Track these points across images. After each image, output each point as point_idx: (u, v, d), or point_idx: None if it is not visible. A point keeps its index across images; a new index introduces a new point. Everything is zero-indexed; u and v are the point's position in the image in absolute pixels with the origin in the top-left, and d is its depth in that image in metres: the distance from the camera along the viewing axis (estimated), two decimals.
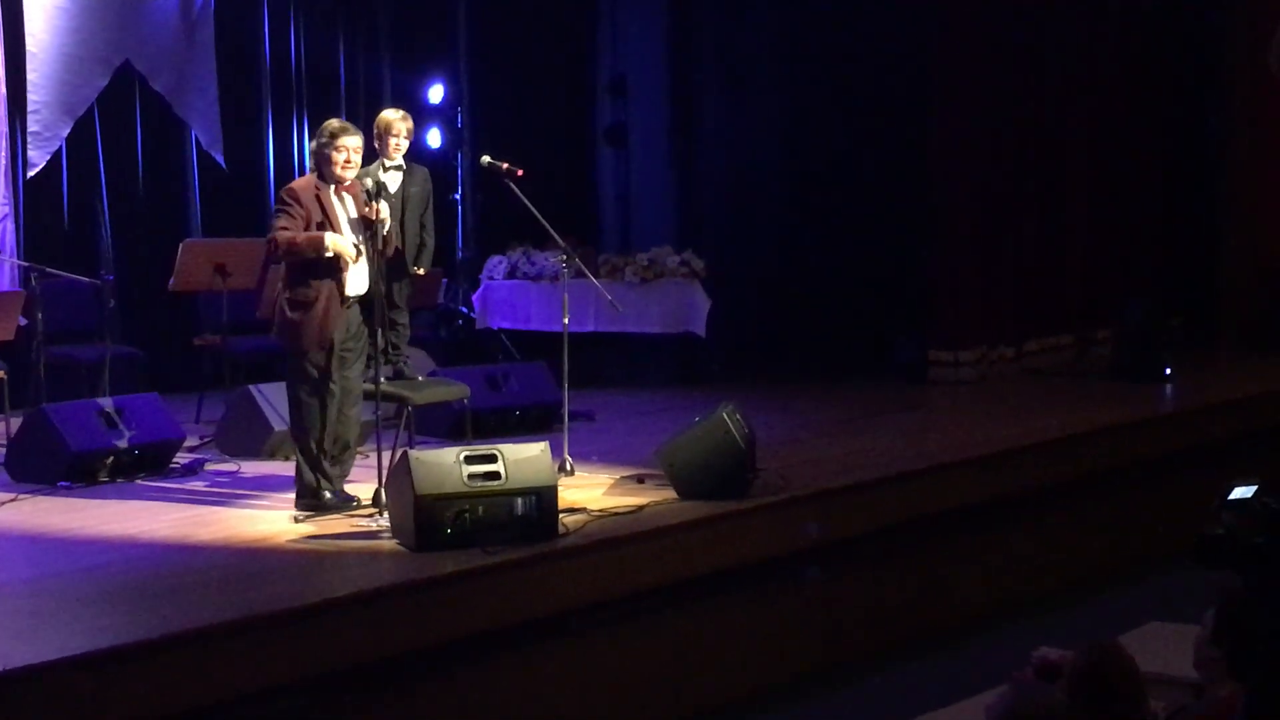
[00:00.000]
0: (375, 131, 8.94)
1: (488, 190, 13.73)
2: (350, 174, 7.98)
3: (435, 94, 14.50)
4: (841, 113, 13.52)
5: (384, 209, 8.02)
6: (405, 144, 9.02)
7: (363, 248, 7.95)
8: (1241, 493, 4.57)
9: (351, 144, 7.95)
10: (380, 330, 8.26)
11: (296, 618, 6.33)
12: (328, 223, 7.87)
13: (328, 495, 8.00)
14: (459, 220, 14.60)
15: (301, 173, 12.44)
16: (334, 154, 7.89)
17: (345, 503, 8.03)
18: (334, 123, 8.07)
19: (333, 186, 7.94)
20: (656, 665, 7.61)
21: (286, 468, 8.71)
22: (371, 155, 8.85)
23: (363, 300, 8.04)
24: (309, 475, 8.00)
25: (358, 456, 9.44)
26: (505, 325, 13.20)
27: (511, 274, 13.19)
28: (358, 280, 7.97)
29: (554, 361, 9.57)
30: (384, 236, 8.05)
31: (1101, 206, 13.93)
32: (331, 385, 7.95)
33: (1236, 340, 14.15)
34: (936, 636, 8.74)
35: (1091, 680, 4.65)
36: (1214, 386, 12.22)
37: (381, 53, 14.09)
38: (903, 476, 8.93)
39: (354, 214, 7.98)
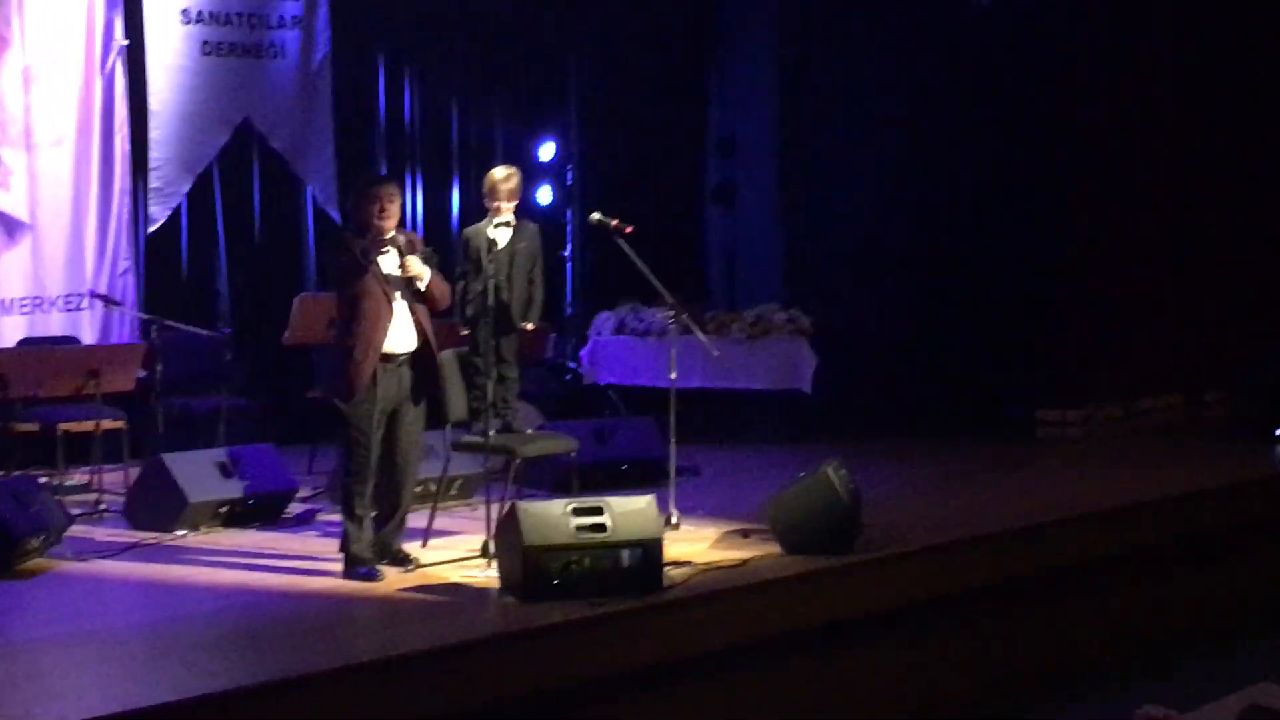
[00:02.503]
0: (484, 189, 9.08)
1: (596, 247, 13.85)
2: (390, 223, 7.96)
3: (546, 152, 14.66)
4: (950, 172, 13.52)
5: (416, 265, 7.94)
6: (509, 202, 9.14)
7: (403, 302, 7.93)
8: None
9: (386, 193, 7.97)
10: (488, 385, 8.36)
11: (402, 666, 6.41)
12: (377, 283, 7.89)
13: (367, 555, 7.93)
14: (568, 276, 14.73)
15: (414, 228, 12.66)
16: (371, 205, 7.93)
17: (376, 574, 7.87)
18: (368, 175, 8.13)
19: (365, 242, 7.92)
20: (756, 717, 7.63)
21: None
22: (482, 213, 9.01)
23: (414, 359, 8.04)
24: (351, 533, 7.95)
25: (467, 508, 9.61)
26: (613, 380, 13.27)
27: (619, 330, 13.28)
28: (396, 337, 7.95)
29: (661, 417, 9.64)
30: (422, 292, 8.00)
31: (1217, 262, 13.81)
32: (367, 445, 7.91)
33: None
34: (1041, 695, 8.69)
35: None
36: None
37: (493, 110, 14.26)
38: (1008, 534, 8.91)
39: (394, 270, 7.94)
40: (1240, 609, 10.00)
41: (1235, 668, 8.38)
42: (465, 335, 9.10)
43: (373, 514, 8.04)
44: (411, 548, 8.23)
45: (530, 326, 9.36)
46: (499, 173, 9.25)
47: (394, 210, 7.99)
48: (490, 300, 8.53)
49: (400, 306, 7.96)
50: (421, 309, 8.03)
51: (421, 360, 8.06)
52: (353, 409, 7.89)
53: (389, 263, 7.96)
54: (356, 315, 7.88)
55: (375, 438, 7.92)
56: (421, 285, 8.00)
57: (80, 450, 10.42)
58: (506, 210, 9.17)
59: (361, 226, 7.99)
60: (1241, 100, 13.89)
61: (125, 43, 11.88)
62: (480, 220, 9.31)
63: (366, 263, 7.86)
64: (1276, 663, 8.04)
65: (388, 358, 7.93)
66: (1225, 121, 13.79)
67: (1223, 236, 13.89)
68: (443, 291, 8.17)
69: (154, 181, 12.12)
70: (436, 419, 8.74)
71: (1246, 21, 13.72)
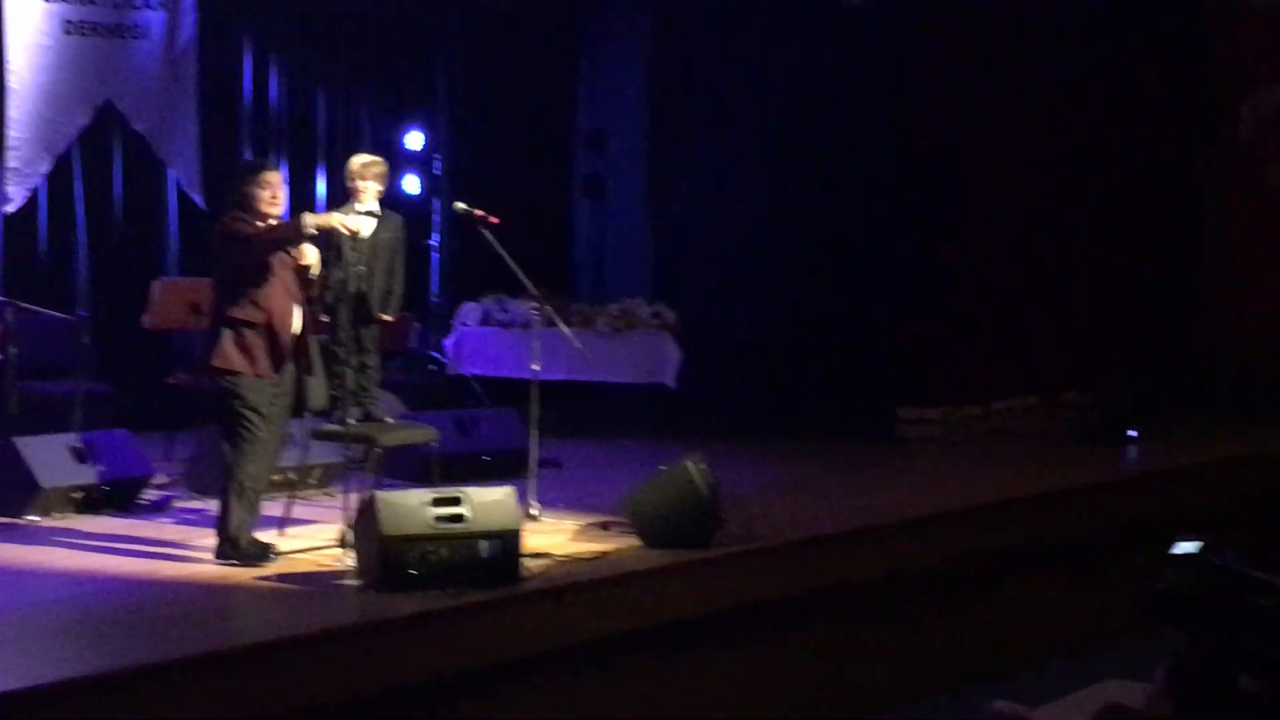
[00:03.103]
0: (347, 176, 9.01)
1: (463, 237, 13.79)
2: (277, 209, 7.94)
3: (414, 140, 14.59)
4: (818, 170, 13.62)
5: (309, 253, 7.95)
6: (375, 186, 9.08)
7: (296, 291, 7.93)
8: (1185, 548, 4.64)
9: (276, 180, 7.95)
10: (348, 373, 8.32)
11: (258, 654, 6.37)
12: (283, 265, 7.87)
13: (244, 543, 7.84)
14: (434, 266, 14.67)
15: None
16: (260, 190, 7.88)
17: (264, 554, 7.85)
18: (255, 159, 8.07)
19: (259, 225, 7.87)
20: (613, 712, 7.64)
21: None
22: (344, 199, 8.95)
23: (297, 342, 7.97)
24: (233, 522, 7.82)
25: (326, 497, 9.55)
26: (477, 371, 13.25)
27: (484, 320, 13.26)
28: (296, 320, 7.94)
29: (524, 408, 9.63)
30: (310, 280, 8.00)
31: (1077, 266, 14.03)
32: (261, 426, 7.84)
33: (1213, 406, 14.21)
34: (893, 694, 8.79)
35: None
36: (1180, 452, 12.31)
37: (361, 98, 14.18)
38: (864, 531, 9.00)
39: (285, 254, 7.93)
40: (1092, 610, 10.16)
41: (1087, 668, 8.51)
42: (325, 322, 9.03)
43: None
44: (267, 536, 8.16)
45: (388, 318, 9.31)
46: (362, 159, 9.21)
47: (282, 196, 7.99)
48: (351, 289, 8.48)
49: (294, 289, 7.95)
50: (302, 294, 8.02)
51: (299, 345, 8.02)
52: (253, 387, 7.80)
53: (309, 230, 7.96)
54: (265, 293, 7.80)
55: (263, 423, 7.84)
56: (314, 273, 8.01)
57: None
58: (370, 198, 9.11)
59: (248, 210, 7.89)
60: (1104, 107, 14.13)
61: None
62: (342, 207, 9.23)
63: (297, 236, 7.80)
64: (1127, 663, 8.19)
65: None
66: (1087, 128, 14.02)
67: (1083, 240, 14.12)
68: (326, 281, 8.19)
69: (11, 161, 11.92)
70: (296, 407, 8.68)
71: (1112, 30, 13.95)
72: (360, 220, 8.81)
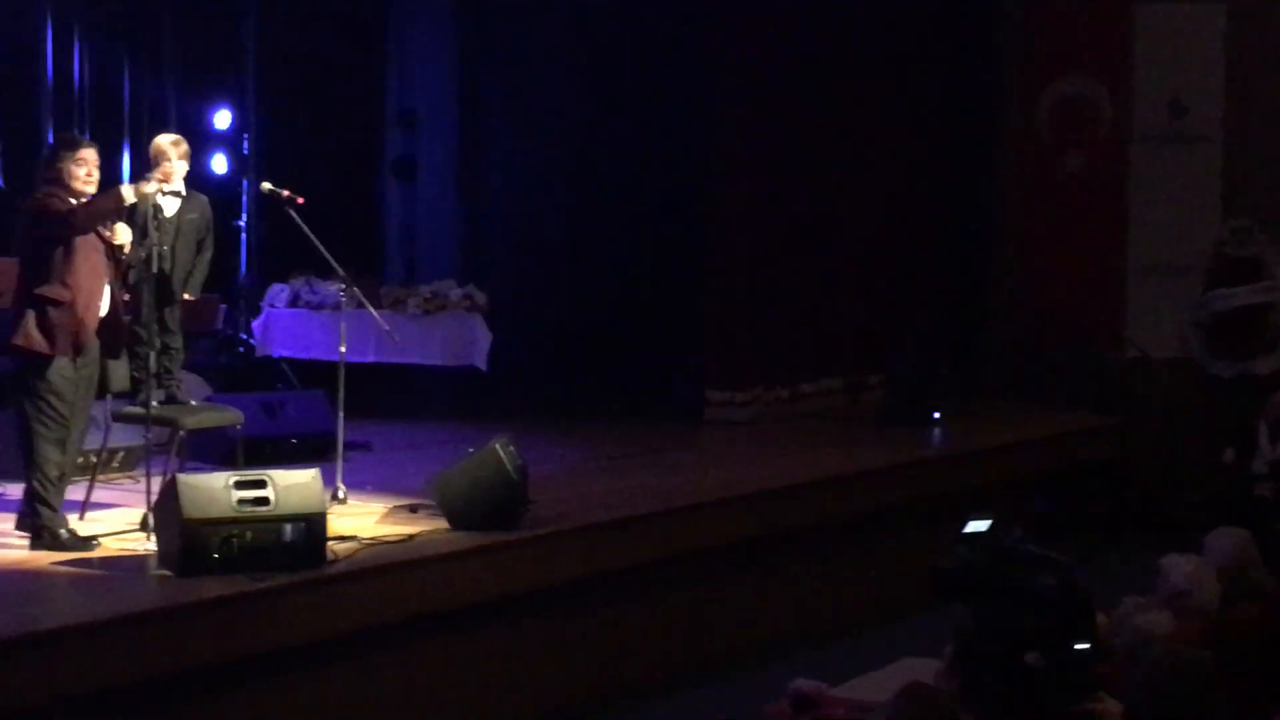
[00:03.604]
0: (151, 156, 8.88)
1: (272, 218, 13.64)
2: (91, 188, 7.82)
3: (222, 119, 14.41)
4: (624, 152, 13.71)
5: (122, 233, 7.87)
6: (181, 168, 8.95)
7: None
8: (975, 527, 4.79)
9: (92, 157, 7.84)
10: (151, 355, 8.22)
11: (57, 639, 6.29)
12: (95, 244, 7.76)
13: (64, 534, 7.71)
14: (242, 247, 14.51)
15: None
16: (75, 168, 7.77)
17: (84, 543, 7.73)
18: (70, 135, 7.96)
19: (74, 202, 7.75)
20: (418, 693, 7.67)
21: None
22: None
23: (103, 324, 7.86)
24: (46, 512, 7.68)
25: (129, 480, 9.43)
26: (286, 353, 13.13)
27: (293, 302, 13.15)
28: (103, 301, 7.84)
29: (333, 391, 9.59)
30: (122, 260, 7.92)
31: (876, 253, 14.24)
32: (64, 411, 7.70)
33: (1005, 388, 14.56)
34: (697, 672, 8.92)
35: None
36: (979, 433, 12.60)
37: (167, 76, 13.97)
38: (669, 513, 9.10)
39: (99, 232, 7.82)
40: (892, 588, 10.37)
41: (884, 645, 8.69)
42: (126, 300, 8.89)
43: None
44: (70, 520, 8.03)
45: (190, 297, 9.19)
46: (167, 138, 9.05)
47: (97, 173, 7.85)
48: (153, 268, 8.36)
49: (102, 269, 7.82)
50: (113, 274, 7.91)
51: (110, 326, 7.90)
52: (60, 373, 7.65)
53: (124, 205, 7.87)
54: (72, 272, 7.65)
55: (68, 406, 7.70)
56: (126, 251, 7.90)
57: None
58: (175, 178, 8.97)
59: (61, 187, 7.75)
60: (905, 94, 14.37)
61: None
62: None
63: (118, 212, 7.69)
64: (924, 640, 8.38)
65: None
66: (886, 115, 14.22)
67: (885, 226, 14.35)
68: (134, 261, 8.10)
69: None
70: (99, 389, 8.56)
71: (909, 14, 14.17)
72: (167, 201, 8.70)
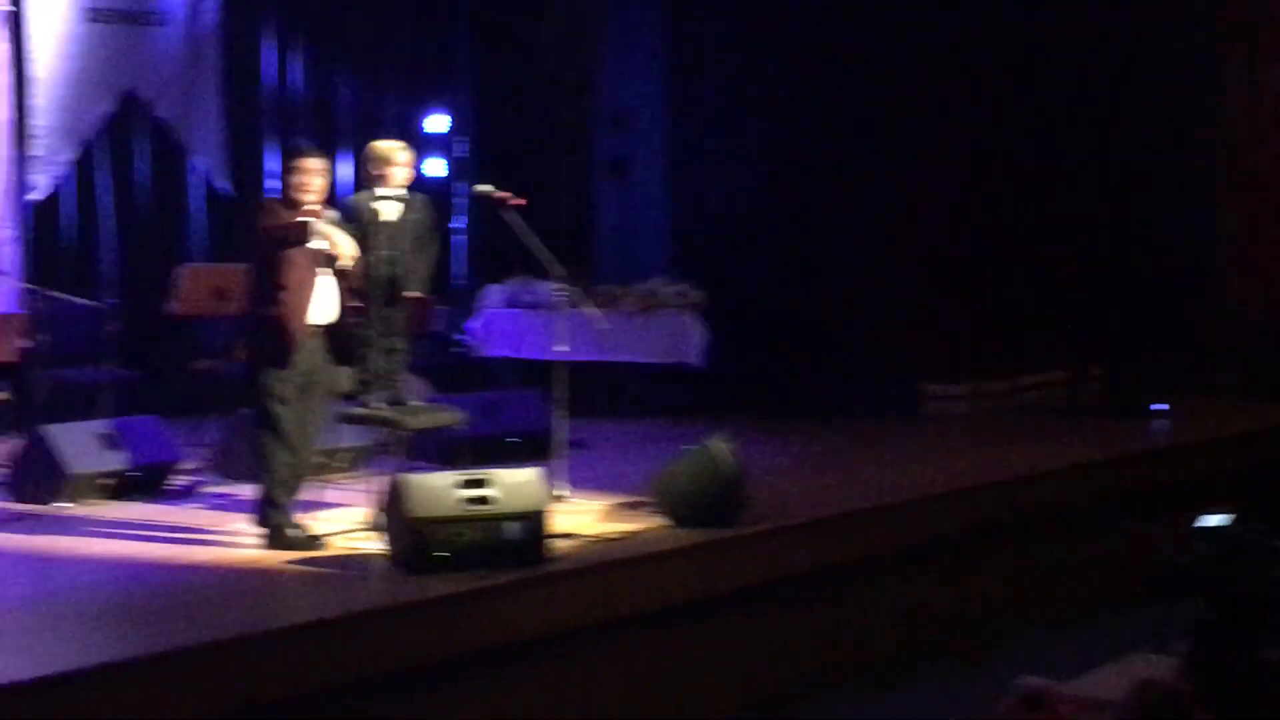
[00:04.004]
0: (371, 161, 9.00)
1: (487, 220, 13.80)
2: (312, 197, 7.97)
3: (436, 124, 14.61)
4: (836, 146, 13.61)
5: (342, 243, 7.97)
6: (402, 173, 9.06)
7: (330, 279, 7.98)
8: (1213, 521, 4.66)
9: (310, 166, 7.98)
10: (376, 357, 8.36)
11: (287, 637, 6.41)
12: (304, 256, 7.90)
13: (294, 533, 7.88)
14: (458, 249, 14.69)
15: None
16: (291, 177, 7.94)
17: (313, 542, 7.90)
18: (294, 145, 8.10)
19: (284, 214, 7.90)
20: (643, 690, 7.68)
21: None
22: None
23: (331, 330, 8.05)
24: (276, 512, 7.88)
25: (354, 481, 9.59)
26: (502, 353, 13.27)
27: (510, 303, 13.28)
28: (320, 309, 7.98)
29: (549, 390, 9.66)
30: (348, 270, 8.06)
31: (1095, 242, 14.01)
32: (289, 416, 7.87)
33: (1229, 380, 14.19)
34: (920, 664, 8.82)
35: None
36: (1200, 425, 12.30)
37: (383, 82, 14.20)
38: (890, 507, 9.02)
39: (319, 244, 7.94)
40: (1112, 581, 10.17)
41: (1107, 639, 8.52)
42: (355, 308, 9.04)
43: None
44: (299, 520, 8.19)
45: (418, 295, 9.27)
46: (394, 144, 9.13)
47: (318, 184, 8.00)
48: (380, 273, 8.49)
49: (324, 279, 7.97)
50: (338, 283, 8.05)
51: (338, 332, 8.08)
52: (278, 379, 7.84)
53: (314, 236, 7.97)
54: (284, 284, 7.84)
55: (290, 413, 7.86)
56: (348, 262, 8.02)
57: None
58: (397, 183, 9.07)
59: (288, 201, 7.96)
60: (1117, 86, 14.07)
61: (11, 8, 11.71)
62: (362, 192, 9.20)
63: (300, 238, 7.81)
64: (1144, 633, 8.20)
65: (310, 330, 7.93)
66: (1099, 107, 13.95)
67: (1111, 214, 14.08)
68: (360, 267, 8.24)
69: (36, 150, 11.96)
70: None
71: (1119, 8, 13.88)
72: (388, 205, 8.80)
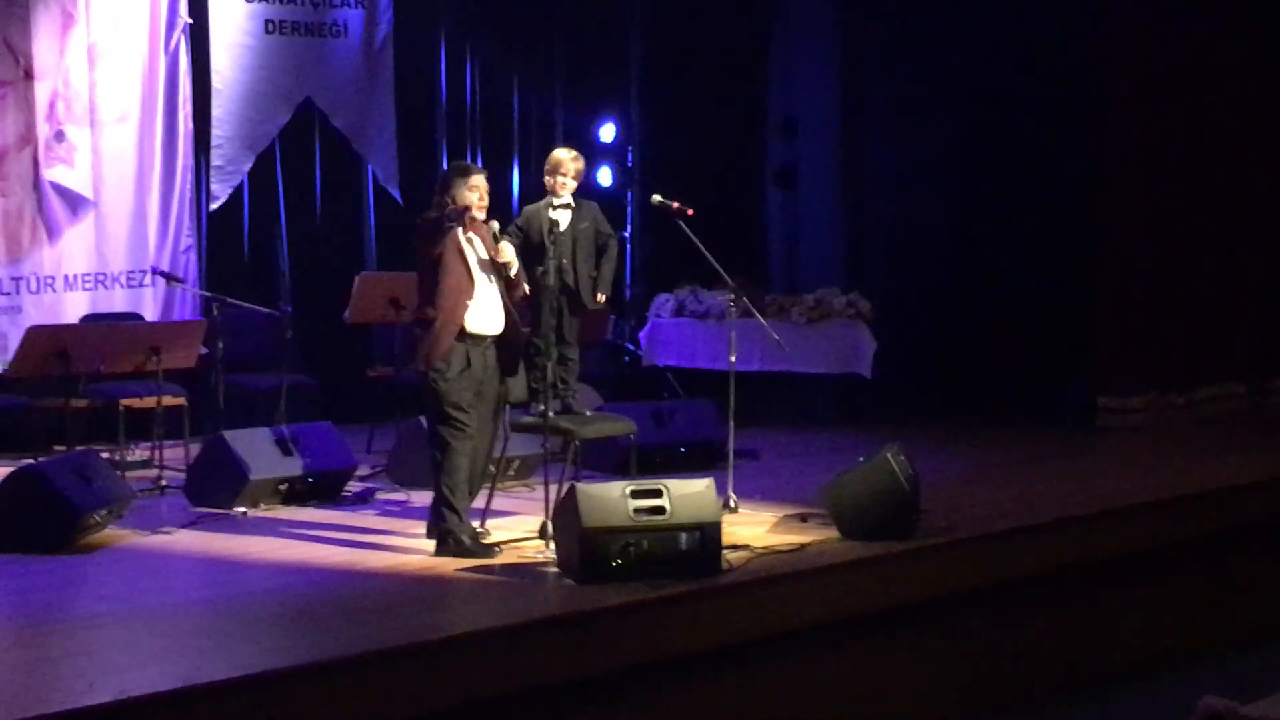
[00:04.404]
0: (546, 169, 9.04)
1: (656, 229, 13.84)
2: (482, 214, 8.10)
3: (607, 133, 14.66)
4: (1011, 155, 13.45)
5: (508, 251, 8.08)
6: (574, 183, 9.08)
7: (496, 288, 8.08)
8: None
9: (483, 184, 8.10)
10: (548, 366, 8.40)
11: (461, 645, 6.44)
12: (461, 261, 8.00)
13: (467, 540, 7.94)
14: (628, 258, 14.72)
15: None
16: (469, 194, 8.03)
17: (488, 550, 7.94)
18: (464, 163, 8.23)
19: (460, 228, 8.00)
20: (815, 703, 7.63)
21: None
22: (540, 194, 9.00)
23: (500, 342, 8.13)
24: (451, 518, 7.93)
25: (525, 489, 9.65)
26: (671, 363, 13.26)
27: (679, 312, 13.27)
28: (485, 318, 8.05)
29: (719, 400, 9.63)
30: (513, 279, 8.14)
31: (1277, 251, 13.67)
32: (465, 422, 7.94)
33: None
34: (1097, 684, 8.66)
35: None
36: None
37: (555, 92, 14.27)
38: (1068, 521, 8.86)
39: (483, 255, 8.10)
40: None
41: None
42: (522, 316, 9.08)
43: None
44: (473, 527, 8.24)
45: (603, 298, 9.24)
46: (565, 152, 9.15)
47: (487, 199, 8.14)
48: (552, 282, 8.53)
49: (490, 290, 8.06)
50: (506, 293, 8.13)
51: (506, 344, 8.16)
52: (449, 385, 7.93)
53: (479, 247, 8.08)
54: (438, 289, 7.96)
55: (461, 420, 7.94)
56: (512, 271, 8.11)
57: (141, 426, 10.49)
58: (566, 192, 9.10)
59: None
60: None
61: (189, 21, 11.95)
62: (537, 201, 9.26)
63: (450, 225, 7.92)
64: None
65: (475, 339, 8.00)
66: None
67: None
68: (525, 278, 8.32)
69: (216, 159, 12.19)
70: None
71: None
72: (561, 214, 8.83)
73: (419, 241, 8.05)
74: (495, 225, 8.16)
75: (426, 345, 7.96)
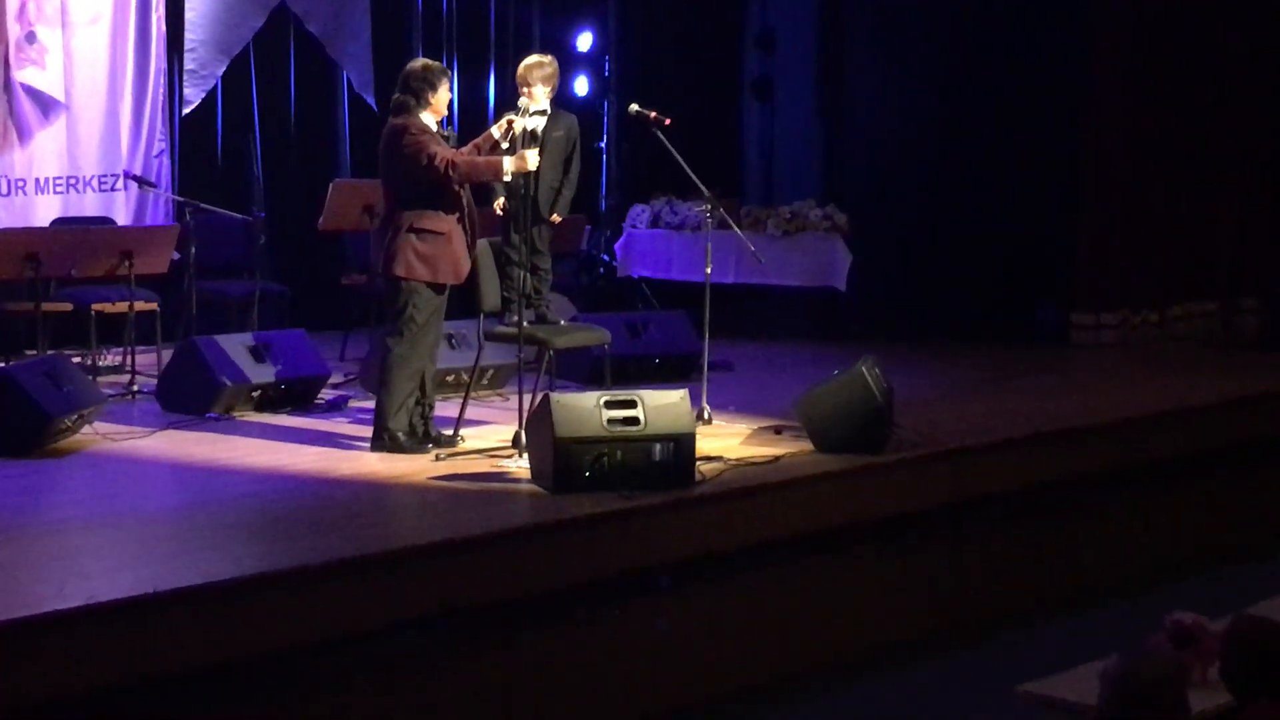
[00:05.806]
0: (519, 76, 8.97)
1: (632, 139, 13.78)
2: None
3: (584, 41, 14.56)
4: (991, 71, 13.38)
5: (509, 166, 8.07)
6: (544, 88, 9.00)
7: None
8: None
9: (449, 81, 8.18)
10: (522, 275, 8.37)
11: (433, 554, 6.43)
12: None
13: (402, 437, 8.08)
14: (603, 169, 14.66)
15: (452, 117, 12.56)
16: (446, 94, 8.06)
17: (421, 446, 8.08)
18: (432, 61, 8.21)
19: (447, 148, 8.01)
20: (786, 615, 7.65)
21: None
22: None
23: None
24: (391, 417, 8.06)
25: (498, 399, 9.64)
26: (646, 274, 13.26)
27: (654, 223, 13.24)
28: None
29: (694, 311, 9.61)
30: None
31: (1251, 171, 13.66)
32: (425, 330, 8.05)
33: None
34: (1065, 601, 8.71)
35: (1245, 650, 4.54)
36: None
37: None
38: (1038, 438, 8.88)
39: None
40: (1268, 521, 9.98)
41: (1255, 580, 8.36)
42: (501, 215, 9.04)
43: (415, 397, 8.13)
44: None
45: (557, 218, 9.26)
46: (538, 58, 9.12)
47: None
48: (522, 190, 8.49)
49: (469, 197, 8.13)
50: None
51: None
52: (426, 297, 7.97)
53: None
54: (447, 203, 7.96)
55: (432, 328, 8.09)
56: (507, 177, 8.20)
57: (113, 331, 10.46)
58: (540, 98, 9.02)
59: (425, 109, 8.06)
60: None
61: None
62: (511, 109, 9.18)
63: (460, 183, 7.98)
64: None
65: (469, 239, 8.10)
66: (1254, 34, 13.56)
67: (1265, 142, 13.72)
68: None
69: (189, 63, 12.07)
70: (469, 308, 8.77)
71: None
72: (532, 120, 8.76)
73: (422, 168, 7.92)
74: (496, 131, 8.15)
75: (444, 258, 7.97)
